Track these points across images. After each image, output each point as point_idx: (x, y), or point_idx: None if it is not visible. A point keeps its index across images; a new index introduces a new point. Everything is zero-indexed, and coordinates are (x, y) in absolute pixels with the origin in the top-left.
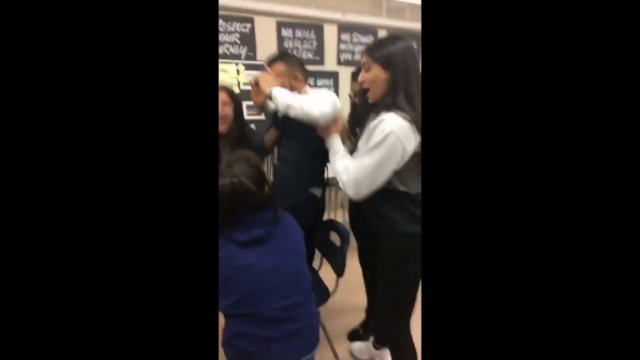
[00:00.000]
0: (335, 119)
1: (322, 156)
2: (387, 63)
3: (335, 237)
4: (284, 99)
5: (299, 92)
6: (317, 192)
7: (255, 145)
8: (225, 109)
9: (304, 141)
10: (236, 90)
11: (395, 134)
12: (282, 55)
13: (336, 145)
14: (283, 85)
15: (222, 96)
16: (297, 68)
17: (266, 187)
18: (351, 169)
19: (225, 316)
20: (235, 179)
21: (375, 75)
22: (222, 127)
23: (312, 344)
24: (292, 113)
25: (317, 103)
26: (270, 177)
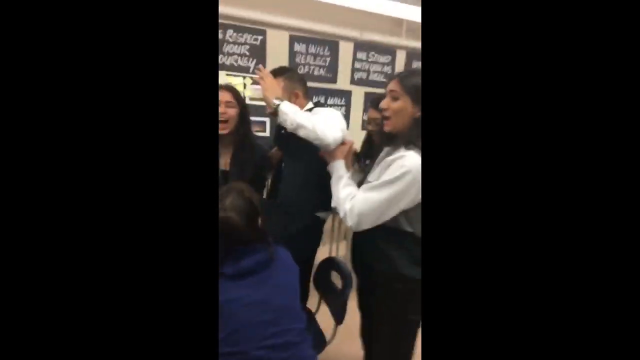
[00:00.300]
0: (342, 142)
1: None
2: (418, 97)
3: (336, 278)
4: (295, 117)
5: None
6: (324, 215)
7: (259, 154)
8: (228, 110)
9: (310, 162)
10: None
11: (412, 173)
12: (282, 70)
13: (340, 170)
14: None
15: (225, 96)
16: (298, 85)
17: (259, 221)
18: (357, 200)
19: None
20: (224, 213)
21: (403, 107)
22: (225, 129)
23: None
24: (302, 133)
25: (330, 127)
26: (266, 192)
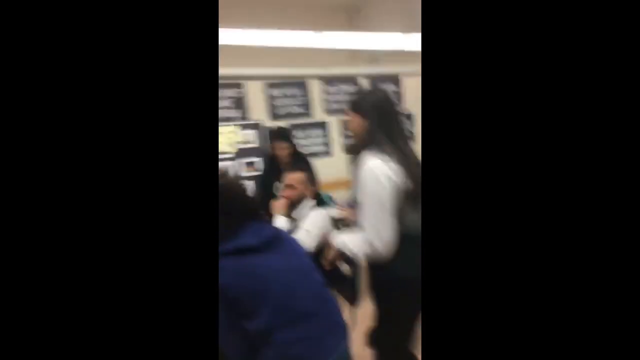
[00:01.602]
0: None
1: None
2: (363, 113)
3: (346, 268)
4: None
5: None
6: None
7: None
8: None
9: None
10: (233, 149)
11: (373, 170)
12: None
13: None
14: (298, 195)
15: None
16: (312, 179)
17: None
18: (375, 232)
19: (265, 337)
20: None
21: (356, 124)
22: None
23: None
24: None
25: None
26: None
